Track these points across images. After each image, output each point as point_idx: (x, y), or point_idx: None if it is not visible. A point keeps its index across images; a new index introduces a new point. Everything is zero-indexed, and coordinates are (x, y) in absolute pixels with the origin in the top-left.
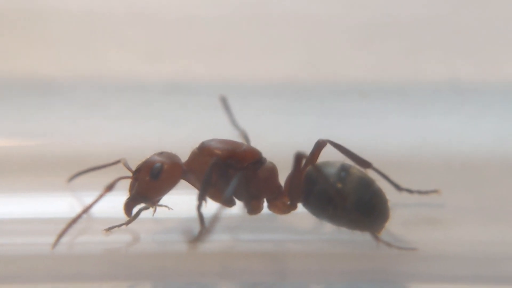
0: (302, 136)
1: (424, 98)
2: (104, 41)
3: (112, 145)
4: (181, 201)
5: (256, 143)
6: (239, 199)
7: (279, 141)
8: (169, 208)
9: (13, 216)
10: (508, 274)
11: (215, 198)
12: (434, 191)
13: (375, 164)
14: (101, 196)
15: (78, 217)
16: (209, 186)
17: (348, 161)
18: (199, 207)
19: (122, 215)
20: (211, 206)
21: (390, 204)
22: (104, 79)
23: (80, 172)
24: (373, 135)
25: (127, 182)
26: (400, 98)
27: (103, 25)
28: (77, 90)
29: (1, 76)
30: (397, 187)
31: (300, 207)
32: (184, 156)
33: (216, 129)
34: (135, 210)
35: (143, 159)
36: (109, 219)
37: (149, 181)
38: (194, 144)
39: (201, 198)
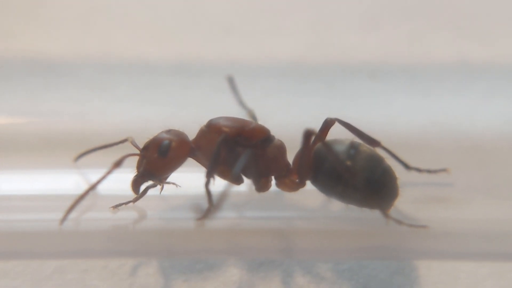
0: (311, 117)
1: (433, 79)
2: (111, 22)
3: (119, 125)
4: (188, 178)
5: (264, 123)
6: (247, 176)
7: (287, 122)
8: (176, 185)
9: (21, 192)
10: None
11: (223, 175)
12: (443, 170)
13: (384, 144)
14: (109, 172)
15: (86, 193)
16: (218, 164)
17: (357, 140)
18: (207, 184)
19: (129, 193)
20: (219, 184)
21: (399, 182)
22: (111, 59)
23: (88, 150)
24: (382, 116)
25: (135, 160)
26: (409, 78)
27: (110, 4)
28: (84, 70)
29: (9, 55)
30: (406, 166)
31: (309, 184)
32: (191, 135)
33: (224, 110)
34: (142, 187)
35: (151, 137)
36: (117, 196)
37: (157, 158)
38: (201, 123)
39: (209, 175)
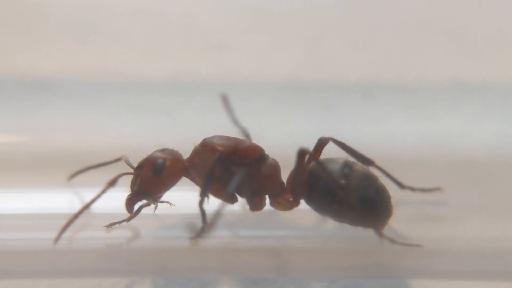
0: (305, 136)
1: (427, 97)
2: (105, 39)
3: (113, 143)
4: (182, 197)
5: (258, 142)
6: (242, 195)
7: (281, 140)
8: (171, 204)
9: (13, 211)
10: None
11: (217, 194)
12: (437, 189)
13: (378, 162)
14: (103, 191)
15: (80, 212)
16: (212, 182)
17: (351, 159)
18: (201, 203)
19: (123, 211)
20: (213, 203)
21: (393, 201)
22: (105, 77)
23: (81, 170)
24: (376, 134)
25: (129, 179)
26: (403, 97)
27: (104, 21)
28: (77, 88)
29: (1, 72)
30: (400, 185)
31: (303, 203)
32: (185, 154)
33: (217, 128)
34: (136, 206)
35: (145, 156)
36: (110, 215)
37: (152, 177)
38: (195, 141)
39: (203, 194)
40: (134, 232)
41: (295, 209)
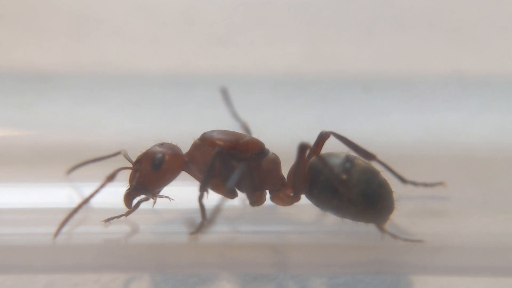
0: (305, 130)
1: (429, 91)
2: (104, 33)
3: (112, 138)
4: (181, 192)
5: (258, 136)
6: (242, 190)
7: (281, 135)
8: (170, 199)
9: (12, 206)
10: None
11: (217, 189)
12: (439, 184)
13: (380, 157)
14: (102, 186)
15: (79, 207)
16: (211, 177)
17: (353, 153)
18: (200, 198)
19: (121, 206)
20: (212, 197)
21: (395, 195)
22: (104, 71)
23: (80, 163)
24: (378, 129)
25: (128, 173)
26: (404, 91)
27: (103, 15)
28: (76, 82)
29: (1, 66)
30: (402, 180)
31: (303, 198)
32: (185, 149)
33: (217, 122)
34: (135, 201)
35: (144, 150)
36: (109, 210)
37: (150, 172)
38: (195, 136)
39: (203, 189)
40: (132, 227)
41: (295, 204)
